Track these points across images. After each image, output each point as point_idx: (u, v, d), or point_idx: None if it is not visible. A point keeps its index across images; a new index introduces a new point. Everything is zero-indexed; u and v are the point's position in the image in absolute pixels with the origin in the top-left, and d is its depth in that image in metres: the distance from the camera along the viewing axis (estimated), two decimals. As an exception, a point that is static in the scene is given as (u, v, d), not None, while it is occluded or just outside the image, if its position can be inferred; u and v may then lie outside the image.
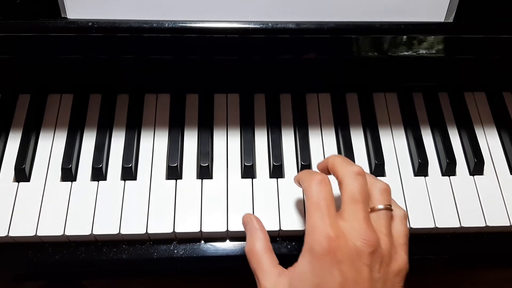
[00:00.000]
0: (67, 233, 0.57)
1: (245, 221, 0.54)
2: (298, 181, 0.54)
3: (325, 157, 0.64)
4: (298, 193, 0.60)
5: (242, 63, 0.64)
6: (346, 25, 0.55)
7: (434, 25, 0.56)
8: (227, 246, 0.59)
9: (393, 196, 0.60)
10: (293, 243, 0.59)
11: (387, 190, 0.50)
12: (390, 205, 0.49)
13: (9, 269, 0.59)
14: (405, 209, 0.59)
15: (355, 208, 0.46)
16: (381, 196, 0.49)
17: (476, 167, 0.63)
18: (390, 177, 0.63)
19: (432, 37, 0.57)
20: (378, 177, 0.61)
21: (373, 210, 0.48)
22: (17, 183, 0.60)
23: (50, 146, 0.63)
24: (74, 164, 0.61)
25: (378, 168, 0.62)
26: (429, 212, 0.60)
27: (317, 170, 0.55)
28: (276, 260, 0.49)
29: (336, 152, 0.64)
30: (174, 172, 0.61)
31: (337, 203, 0.48)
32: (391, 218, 0.49)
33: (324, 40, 0.57)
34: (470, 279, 0.72)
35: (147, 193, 0.60)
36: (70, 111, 0.66)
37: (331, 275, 0.44)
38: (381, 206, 0.48)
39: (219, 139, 0.65)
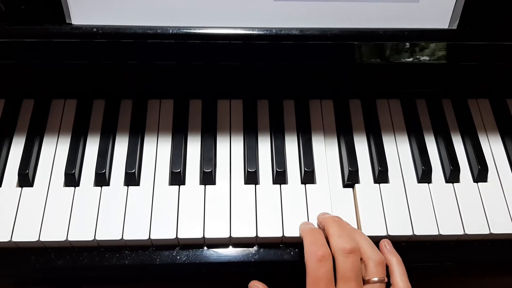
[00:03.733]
0: (70, 239, 0.57)
1: None
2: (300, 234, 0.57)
3: (327, 163, 0.64)
4: (301, 199, 0.60)
5: (246, 69, 0.64)
6: (349, 32, 0.56)
7: (438, 32, 0.56)
8: (230, 252, 0.59)
9: (397, 203, 0.60)
10: (296, 250, 0.59)
11: (381, 263, 0.52)
12: (384, 278, 0.52)
13: (12, 274, 0.59)
14: (411, 222, 0.59)
15: (348, 286, 0.50)
16: (376, 268, 0.52)
17: (480, 174, 0.63)
18: (394, 183, 0.62)
19: (436, 43, 0.57)
20: (381, 184, 0.61)
21: (368, 282, 0.51)
22: (20, 188, 0.60)
23: (54, 151, 0.63)
24: (78, 169, 0.62)
25: (381, 175, 0.62)
26: (433, 219, 0.59)
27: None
28: None
29: (337, 159, 0.64)
30: (177, 178, 0.61)
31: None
32: None
33: (328, 46, 0.57)
34: (473, 286, 0.71)
35: (150, 199, 0.59)
36: (73, 116, 0.66)
37: None
38: (375, 279, 0.51)
39: (222, 145, 0.65)
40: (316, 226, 0.58)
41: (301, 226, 0.57)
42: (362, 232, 0.56)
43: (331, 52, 0.58)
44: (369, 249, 0.52)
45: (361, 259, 0.52)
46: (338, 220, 0.55)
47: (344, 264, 0.50)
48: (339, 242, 0.51)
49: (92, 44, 0.56)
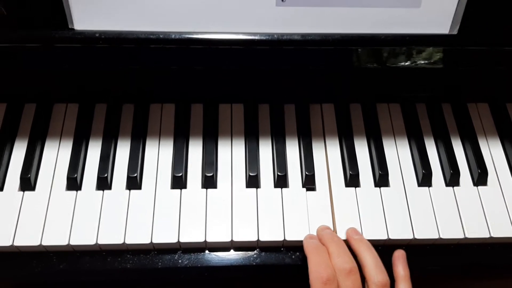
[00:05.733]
0: (71, 243, 0.57)
1: None
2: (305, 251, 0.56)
3: (329, 167, 0.64)
4: (302, 203, 0.60)
5: (247, 74, 0.65)
6: (351, 37, 0.56)
7: (438, 37, 0.56)
8: (232, 256, 0.59)
9: (397, 207, 0.60)
10: (297, 253, 0.59)
11: (384, 285, 0.52)
12: None
13: (13, 278, 0.59)
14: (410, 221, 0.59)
15: None
16: None
17: (480, 177, 0.63)
18: (394, 187, 0.63)
19: (436, 48, 0.58)
20: (382, 187, 0.62)
21: None
22: (22, 192, 0.60)
23: (56, 156, 0.64)
24: (79, 173, 0.62)
25: (382, 178, 0.62)
26: (433, 222, 0.60)
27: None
28: None
29: (340, 163, 0.64)
30: (179, 181, 0.61)
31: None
32: None
33: (329, 51, 0.57)
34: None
35: (152, 203, 0.60)
36: (75, 120, 0.66)
37: None
38: None
39: (223, 149, 0.65)
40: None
41: (305, 242, 0.56)
42: (369, 245, 0.55)
43: (333, 57, 0.58)
44: (372, 269, 0.52)
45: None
46: (337, 240, 0.55)
47: (344, 283, 0.51)
48: (338, 262, 0.52)
49: (94, 49, 0.56)
